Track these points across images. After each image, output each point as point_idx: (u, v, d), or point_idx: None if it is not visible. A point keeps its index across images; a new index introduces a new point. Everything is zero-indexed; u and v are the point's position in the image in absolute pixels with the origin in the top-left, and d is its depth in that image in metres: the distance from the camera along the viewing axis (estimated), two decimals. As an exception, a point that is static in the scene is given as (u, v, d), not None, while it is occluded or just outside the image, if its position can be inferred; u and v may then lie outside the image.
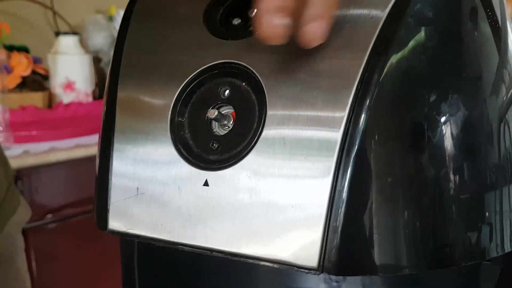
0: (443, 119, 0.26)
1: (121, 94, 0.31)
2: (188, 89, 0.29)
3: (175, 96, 0.29)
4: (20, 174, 1.00)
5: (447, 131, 0.26)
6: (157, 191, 0.28)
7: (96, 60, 1.39)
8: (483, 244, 0.28)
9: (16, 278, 0.53)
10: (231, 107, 0.28)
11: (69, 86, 1.24)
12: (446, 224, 0.27)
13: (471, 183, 0.28)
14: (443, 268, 0.28)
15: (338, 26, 0.26)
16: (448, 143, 0.26)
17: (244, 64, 0.27)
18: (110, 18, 1.42)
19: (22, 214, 0.54)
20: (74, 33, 1.29)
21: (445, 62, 0.27)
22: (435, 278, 0.35)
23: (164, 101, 0.29)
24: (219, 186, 0.27)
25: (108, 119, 0.32)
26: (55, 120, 1.14)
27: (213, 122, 0.28)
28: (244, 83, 0.27)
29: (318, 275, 0.24)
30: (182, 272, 0.42)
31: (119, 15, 1.40)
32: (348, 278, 0.46)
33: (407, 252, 0.26)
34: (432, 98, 0.26)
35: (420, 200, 0.26)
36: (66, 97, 1.23)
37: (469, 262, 0.28)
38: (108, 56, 1.40)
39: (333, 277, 0.47)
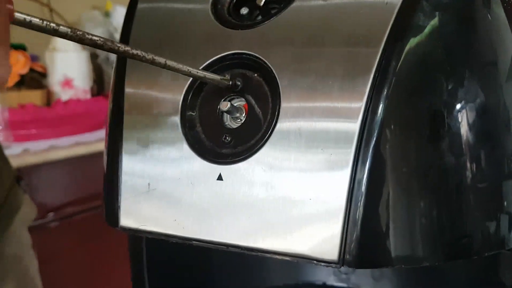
0: (461, 106, 0.25)
1: (128, 89, 0.31)
2: (198, 81, 0.28)
3: (185, 89, 0.28)
4: (21, 173, 0.99)
5: (465, 118, 0.26)
6: (169, 187, 0.28)
7: (94, 57, 1.37)
8: (502, 234, 0.28)
9: (25, 275, 0.53)
10: (243, 99, 0.27)
11: (67, 83, 1.22)
12: (465, 214, 0.26)
13: (489, 171, 0.27)
14: (462, 258, 0.28)
15: (352, 13, 0.25)
16: (466, 130, 0.26)
17: (256, 55, 0.27)
18: (107, 14, 1.41)
19: (27, 212, 0.54)
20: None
21: (461, 48, 0.27)
22: (453, 269, 0.35)
23: (173, 95, 0.29)
24: (233, 180, 0.26)
25: (115, 115, 0.31)
26: (54, 118, 1.13)
27: (225, 115, 0.28)
28: (256, 74, 0.27)
29: (338, 268, 0.24)
30: (192, 265, 0.42)
31: (116, 10, 1.39)
32: (358, 270, 0.46)
33: (426, 243, 0.26)
34: (450, 85, 0.25)
35: (439, 190, 0.25)
36: (64, 95, 1.22)
37: (488, 252, 0.27)
38: (105, 52, 1.39)
39: (342, 269, 0.47)
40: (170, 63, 0.24)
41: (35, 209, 0.56)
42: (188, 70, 0.25)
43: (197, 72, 0.25)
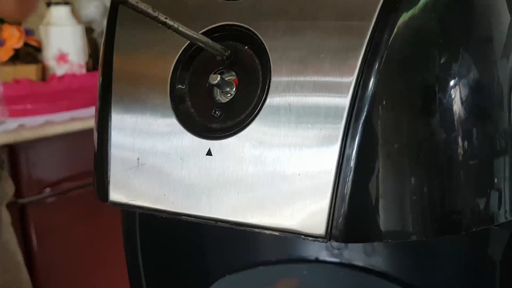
0: (454, 81, 0.25)
1: (117, 63, 0.30)
2: (188, 54, 0.28)
3: (174, 62, 0.28)
4: (17, 148, 0.99)
5: (458, 94, 0.25)
6: (158, 161, 0.28)
7: (89, 31, 1.36)
8: (491, 210, 0.28)
9: (5, 250, 0.53)
10: (234, 73, 0.27)
11: (62, 57, 1.21)
12: (455, 190, 0.26)
13: (480, 148, 0.27)
14: (451, 234, 0.28)
15: None
16: (459, 106, 0.26)
17: (247, 27, 0.26)
18: (102, -13, 1.38)
19: (5, 190, 0.53)
20: (66, 3, 1.25)
21: (456, 22, 0.26)
22: (443, 244, 0.35)
23: (163, 67, 0.28)
24: (223, 155, 0.26)
25: (104, 89, 0.31)
26: (50, 93, 1.12)
27: (215, 89, 0.27)
28: (247, 47, 0.26)
29: (325, 242, 0.24)
30: (184, 240, 0.42)
31: (111, -17, 1.36)
32: (350, 245, 0.46)
33: (415, 218, 0.26)
34: (443, 59, 0.25)
35: (430, 165, 0.25)
36: (59, 69, 1.21)
37: (477, 227, 0.27)
38: (100, 26, 1.37)
39: (335, 244, 0.47)
40: (181, 28, 0.23)
41: (13, 186, 0.56)
42: (192, 34, 0.24)
43: (204, 38, 0.25)
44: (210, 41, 0.25)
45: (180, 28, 0.23)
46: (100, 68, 0.31)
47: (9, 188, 0.55)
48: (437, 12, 0.25)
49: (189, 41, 0.27)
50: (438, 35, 0.25)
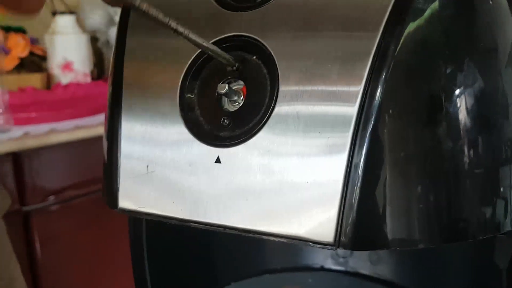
0: (460, 91, 0.25)
1: (127, 72, 0.31)
2: (197, 64, 0.28)
3: (184, 72, 0.28)
4: (21, 156, 0.99)
5: (464, 103, 0.26)
6: (167, 169, 0.28)
7: (94, 40, 1.37)
8: (497, 218, 0.28)
9: None
10: (241, 82, 0.27)
11: (67, 66, 1.22)
12: (461, 199, 0.27)
13: (486, 157, 0.27)
14: (458, 241, 0.28)
15: None
16: (464, 115, 0.26)
17: (255, 37, 0.27)
18: (107, -3, 1.39)
19: (1, 201, 0.53)
20: (71, 12, 1.26)
21: (461, 32, 0.26)
22: (449, 252, 0.35)
23: (172, 77, 0.29)
24: (231, 163, 0.26)
25: (114, 98, 0.31)
26: (55, 101, 1.13)
27: (223, 98, 0.28)
28: (255, 57, 0.27)
29: (334, 250, 0.24)
30: (190, 248, 0.42)
31: (116, -7, 1.37)
32: (356, 253, 0.46)
33: (422, 226, 0.26)
34: (449, 69, 0.25)
35: (437, 174, 0.26)
36: (64, 78, 1.22)
37: (484, 235, 0.28)
38: (105, 35, 1.38)
39: (340, 252, 0.47)
40: (191, 35, 0.24)
41: (9, 198, 0.56)
42: (202, 42, 0.25)
43: (213, 47, 0.25)
44: (219, 50, 0.26)
45: (190, 36, 0.24)
46: (110, 77, 0.32)
47: (5, 200, 0.55)
48: (442, 23, 0.26)
49: (198, 51, 0.28)
50: (444, 45, 0.25)
